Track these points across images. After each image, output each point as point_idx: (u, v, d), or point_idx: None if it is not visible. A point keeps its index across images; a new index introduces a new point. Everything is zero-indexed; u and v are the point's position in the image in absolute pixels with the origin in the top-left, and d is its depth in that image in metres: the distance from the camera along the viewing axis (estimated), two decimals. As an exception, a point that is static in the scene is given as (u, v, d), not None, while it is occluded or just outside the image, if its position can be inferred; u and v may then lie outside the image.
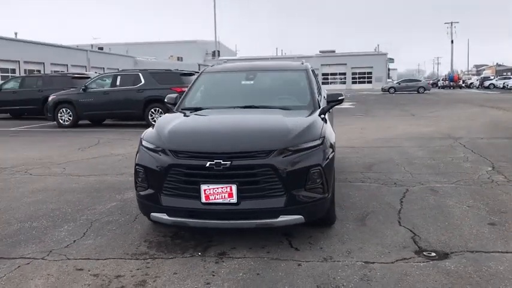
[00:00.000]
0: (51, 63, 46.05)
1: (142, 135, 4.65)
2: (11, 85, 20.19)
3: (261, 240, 4.35)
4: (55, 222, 5.07)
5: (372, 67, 75.02)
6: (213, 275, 3.67)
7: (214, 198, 3.98)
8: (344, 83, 75.94)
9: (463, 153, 8.84)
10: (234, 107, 5.27)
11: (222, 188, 3.97)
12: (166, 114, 5.40)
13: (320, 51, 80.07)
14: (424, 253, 4.03)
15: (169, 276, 3.67)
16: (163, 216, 4.18)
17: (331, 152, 4.44)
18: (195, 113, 5.21)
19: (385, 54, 77.14)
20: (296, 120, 4.52)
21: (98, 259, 4.03)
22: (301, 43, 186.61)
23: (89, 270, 3.80)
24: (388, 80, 73.72)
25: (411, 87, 49.10)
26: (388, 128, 13.76)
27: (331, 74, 77.39)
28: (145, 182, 4.28)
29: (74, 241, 4.49)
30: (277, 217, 4.03)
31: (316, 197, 4.16)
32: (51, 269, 3.84)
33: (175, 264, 3.90)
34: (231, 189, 3.96)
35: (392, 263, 3.84)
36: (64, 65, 48.37)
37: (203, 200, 3.99)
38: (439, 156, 8.53)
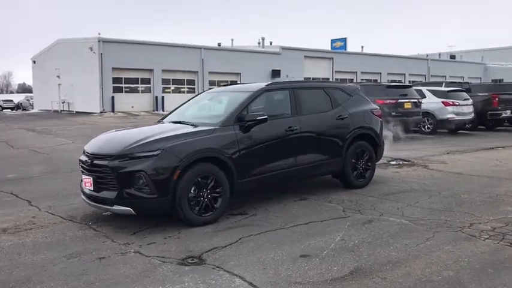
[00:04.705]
0: (388, 73, 49.27)
1: None
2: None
3: (140, 223, 5.71)
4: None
5: None
6: (54, 233, 5.46)
7: (88, 186, 5.73)
8: None
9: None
10: (169, 122, 6.59)
11: (87, 178, 5.69)
12: None
13: None
14: (189, 259, 4.58)
15: (37, 229, 5.63)
16: (81, 196, 6.17)
17: (172, 161, 5.35)
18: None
19: None
20: (154, 135, 5.64)
21: (50, 213, 6.36)
22: None
23: (34, 217, 6.18)
24: None
25: None
26: None
27: None
28: None
29: (70, 204, 6.95)
30: (113, 205, 5.44)
31: (143, 196, 5.31)
32: (21, 214, 6.37)
33: (62, 224, 5.83)
34: (90, 181, 5.63)
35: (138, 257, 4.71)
36: (401, 74, 50.82)
37: (83, 185, 5.81)
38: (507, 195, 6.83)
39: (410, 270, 4.14)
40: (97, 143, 6.02)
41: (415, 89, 16.36)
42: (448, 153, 11.64)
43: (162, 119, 7.21)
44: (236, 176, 5.88)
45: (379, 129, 7.78)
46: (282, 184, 7.13)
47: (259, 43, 44.03)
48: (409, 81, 44.50)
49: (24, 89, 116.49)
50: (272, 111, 6.56)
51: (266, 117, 6.06)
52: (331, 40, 55.34)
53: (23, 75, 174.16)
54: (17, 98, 64.91)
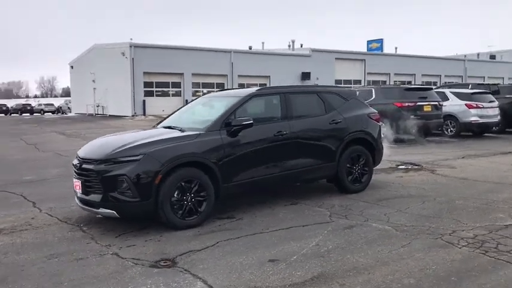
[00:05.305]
0: (423, 74, 48.24)
1: None
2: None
3: (126, 226, 5.90)
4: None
5: None
6: (45, 234, 5.70)
7: (77, 189, 5.94)
8: None
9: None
10: (161, 127, 6.74)
11: (77, 182, 5.91)
12: None
13: None
14: (161, 262, 4.70)
15: (31, 230, 5.89)
16: (75, 199, 6.40)
17: (153, 165, 5.49)
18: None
19: None
20: (140, 140, 5.81)
21: (49, 214, 6.64)
22: None
23: (33, 218, 6.46)
24: None
25: None
26: None
27: None
28: None
29: (71, 206, 7.21)
30: (98, 208, 5.63)
31: (126, 199, 5.47)
32: (22, 215, 6.66)
33: (56, 226, 6.08)
34: (79, 184, 5.84)
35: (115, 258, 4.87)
36: (437, 75, 49.63)
37: (75, 188, 6.04)
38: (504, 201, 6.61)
39: (372, 277, 4.12)
40: (89, 148, 6.23)
41: (438, 92, 16.01)
42: (463, 157, 11.35)
43: (158, 123, 7.38)
44: (221, 181, 5.96)
45: (377, 134, 7.69)
46: (272, 188, 7.17)
47: (289, 46, 44.02)
48: (445, 83, 43.45)
49: (67, 93, 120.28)
50: (262, 116, 6.63)
51: (251, 121, 6.12)
52: (367, 41, 54.69)
53: (67, 79, 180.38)
54: (58, 102, 67.35)
